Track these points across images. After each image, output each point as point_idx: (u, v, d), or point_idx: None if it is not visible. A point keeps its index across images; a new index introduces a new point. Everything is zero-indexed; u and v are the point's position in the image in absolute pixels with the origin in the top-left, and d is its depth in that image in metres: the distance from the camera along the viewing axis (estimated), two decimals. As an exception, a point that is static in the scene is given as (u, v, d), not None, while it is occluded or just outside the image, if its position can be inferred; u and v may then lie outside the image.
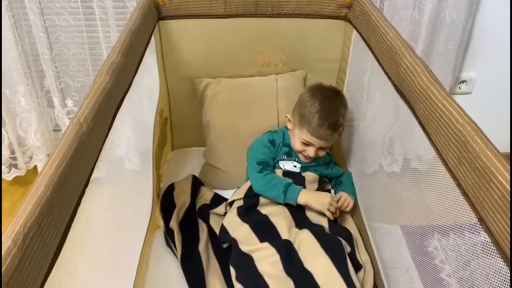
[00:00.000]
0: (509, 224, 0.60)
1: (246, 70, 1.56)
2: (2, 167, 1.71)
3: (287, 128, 1.35)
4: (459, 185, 0.73)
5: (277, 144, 1.31)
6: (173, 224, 1.25)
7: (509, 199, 0.59)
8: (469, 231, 0.70)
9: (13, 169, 1.73)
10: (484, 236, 0.65)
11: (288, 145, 1.31)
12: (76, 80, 1.60)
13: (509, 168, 0.62)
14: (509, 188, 0.60)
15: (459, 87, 1.78)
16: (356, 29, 1.35)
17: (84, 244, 0.75)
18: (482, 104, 1.76)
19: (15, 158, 1.71)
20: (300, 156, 1.29)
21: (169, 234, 1.25)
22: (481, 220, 0.66)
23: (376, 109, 1.23)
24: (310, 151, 1.24)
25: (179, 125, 1.67)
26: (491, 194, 0.64)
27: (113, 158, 0.91)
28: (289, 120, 1.30)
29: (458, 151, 0.73)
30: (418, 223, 0.93)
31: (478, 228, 0.67)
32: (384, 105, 1.13)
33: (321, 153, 1.27)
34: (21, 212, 0.53)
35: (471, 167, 0.69)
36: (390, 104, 1.04)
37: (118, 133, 0.94)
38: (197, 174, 1.54)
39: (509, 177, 0.61)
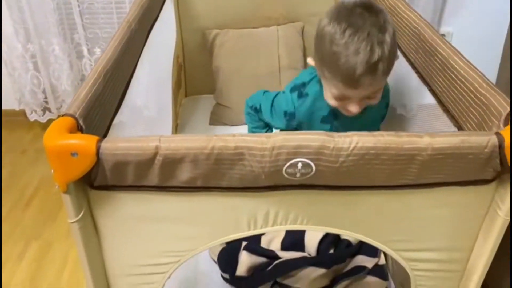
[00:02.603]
0: (448, 82, 0.83)
1: (250, 22, 1.79)
2: (37, 109, 1.95)
3: None
4: (416, 70, 0.97)
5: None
6: None
7: (448, 65, 0.83)
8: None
9: (47, 112, 1.98)
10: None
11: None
12: (103, 30, 1.83)
13: (448, 43, 0.86)
14: (446, 55, 0.83)
15: (439, 41, 2.01)
16: (346, -19, 1.58)
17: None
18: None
19: (47, 102, 1.95)
20: (342, 111, 0.91)
21: None
22: (425, 82, 0.90)
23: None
24: (353, 107, 0.86)
25: (192, 74, 1.89)
26: (434, 63, 0.87)
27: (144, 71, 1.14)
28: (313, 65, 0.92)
29: (416, 44, 0.96)
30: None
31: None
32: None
33: (373, 102, 0.88)
34: (102, 57, 0.76)
35: (423, 50, 0.92)
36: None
37: (149, 52, 1.16)
38: (208, 116, 1.77)
39: (448, 50, 0.84)
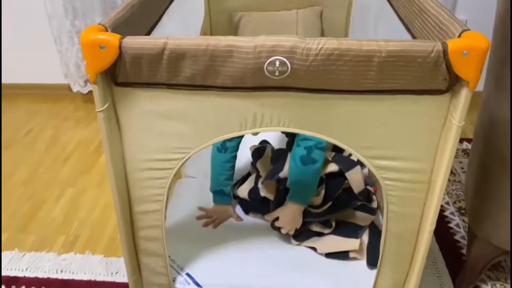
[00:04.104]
0: (422, 23, 0.96)
1: (273, 6, 1.95)
2: (80, 81, 2.18)
3: None
4: (403, 23, 1.10)
5: None
6: None
7: (424, 9, 0.96)
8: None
9: (88, 84, 2.21)
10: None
11: None
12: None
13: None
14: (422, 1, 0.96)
15: (453, 28, 2.11)
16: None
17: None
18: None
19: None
20: None
21: None
22: (408, 30, 1.03)
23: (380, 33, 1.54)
24: None
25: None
26: (413, 11, 1.00)
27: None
28: None
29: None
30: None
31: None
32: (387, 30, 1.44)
33: None
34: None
35: (408, 3, 1.05)
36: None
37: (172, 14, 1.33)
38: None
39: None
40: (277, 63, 0.75)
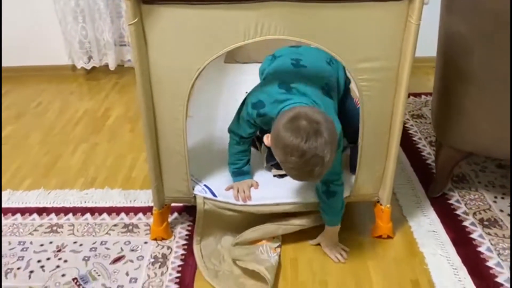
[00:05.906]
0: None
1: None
2: (84, 57, 2.37)
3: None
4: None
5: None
6: None
7: None
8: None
9: (91, 60, 2.40)
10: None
11: None
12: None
13: None
14: None
15: (420, -1, 2.35)
16: None
17: None
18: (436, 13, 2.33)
19: (91, 51, 2.38)
20: None
21: None
22: None
23: None
24: None
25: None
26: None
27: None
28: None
29: None
30: None
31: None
32: None
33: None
34: None
35: None
36: None
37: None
38: (223, 55, 2.15)
39: None
40: (274, -27, 0.96)
